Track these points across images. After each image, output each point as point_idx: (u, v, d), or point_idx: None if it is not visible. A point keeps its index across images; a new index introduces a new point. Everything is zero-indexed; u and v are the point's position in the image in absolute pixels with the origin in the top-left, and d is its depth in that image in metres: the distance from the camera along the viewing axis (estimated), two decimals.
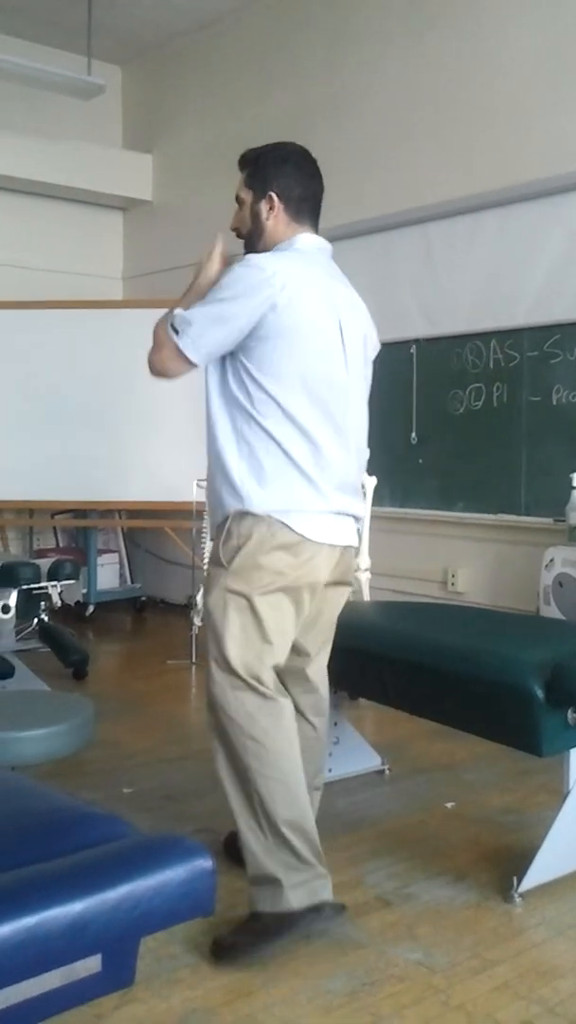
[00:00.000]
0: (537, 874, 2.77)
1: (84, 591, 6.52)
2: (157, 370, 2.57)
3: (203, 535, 5.53)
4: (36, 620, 4.82)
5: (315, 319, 2.54)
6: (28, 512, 7.13)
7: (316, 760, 2.79)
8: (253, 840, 2.49)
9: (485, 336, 5.31)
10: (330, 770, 3.59)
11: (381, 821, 3.33)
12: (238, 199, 2.75)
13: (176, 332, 2.50)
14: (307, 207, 2.70)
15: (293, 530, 2.48)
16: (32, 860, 1.69)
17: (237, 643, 2.51)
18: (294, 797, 2.50)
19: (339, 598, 2.76)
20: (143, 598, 7.28)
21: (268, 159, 2.69)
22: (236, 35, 6.82)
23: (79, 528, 7.26)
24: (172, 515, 6.28)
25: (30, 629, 4.91)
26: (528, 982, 2.36)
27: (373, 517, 4.97)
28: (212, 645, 2.56)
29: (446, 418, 5.53)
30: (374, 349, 2.85)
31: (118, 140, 7.83)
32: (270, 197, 2.66)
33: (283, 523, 2.48)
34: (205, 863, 1.76)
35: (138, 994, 2.26)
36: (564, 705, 2.66)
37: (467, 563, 5.48)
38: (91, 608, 6.84)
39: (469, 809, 3.44)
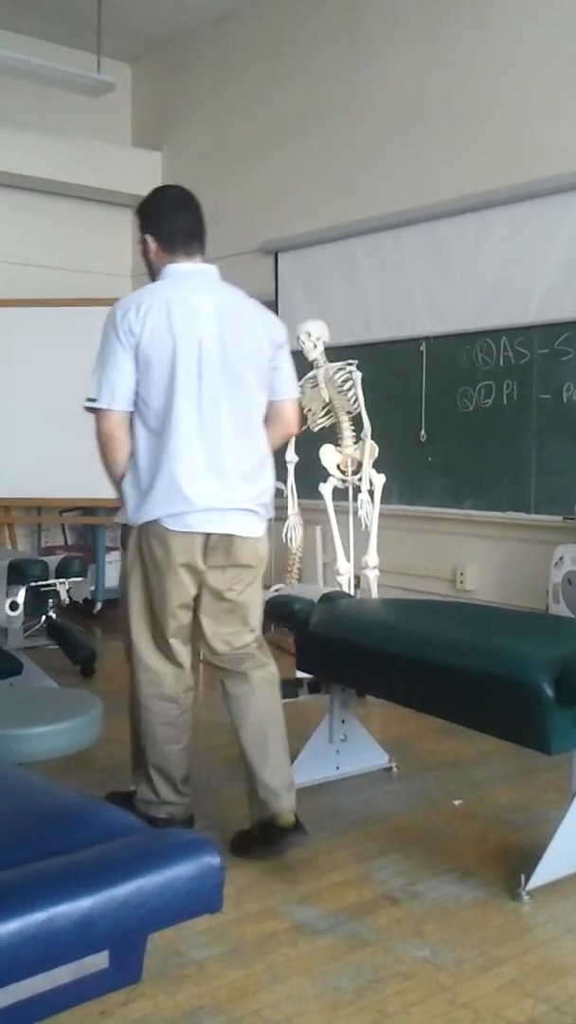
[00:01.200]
0: (545, 872, 2.77)
1: (92, 588, 6.52)
2: (103, 446, 3.11)
3: None
4: (44, 617, 4.83)
5: (174, 334, 2.93)
6: (36, 509, 7.13)
7: (255, 713, 3.07)
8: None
9: (495, 333, 5.30)
10: (337, 767, 3.60)
11: (388, 818, 3.33)
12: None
13: (92, 402, 3.06)
14: (179, 239, 3.10)
15: (160, 524, 2.96)
16: (41, 856, 1.70)
17: (133, 615, 3.07)
18: (159, 748, 3.08)
19: (234, 581, 3.06)
20: None
21: (142, 210, 3.19)
22: (245, 33, 6.82)
23: (87, 525, 7.27)
24: None
25: (38, 626, 4.91)
26: (535, 980, 2.36)
27: (382, 515, 4.97)
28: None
29: (455, 415, 5.52)
30: (272, 346, 3.12)
31: (127, 137, 7.83)
32: (145, 239, 3.14)
33: (153, 520, 2.97)
34: (213, 860, 1.76)
35: (145, 990, 2.26)
36: (573, 703, 2.65)
37: (476, 561, 5.48)
38: (99, 605, 6.84)
39: (476, 807, 3.43)
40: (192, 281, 3.05)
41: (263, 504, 3.09)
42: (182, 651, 3.09)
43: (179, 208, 3.13)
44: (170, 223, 3.09)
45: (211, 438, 2.96)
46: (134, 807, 3.01)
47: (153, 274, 3.14)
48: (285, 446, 5.24)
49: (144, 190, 7.55)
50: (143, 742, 3.11)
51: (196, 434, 2.94)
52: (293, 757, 3.52)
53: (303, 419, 5.10)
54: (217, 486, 2.96)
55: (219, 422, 2.97)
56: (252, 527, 3.05)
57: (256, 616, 3.15)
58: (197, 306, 2.97)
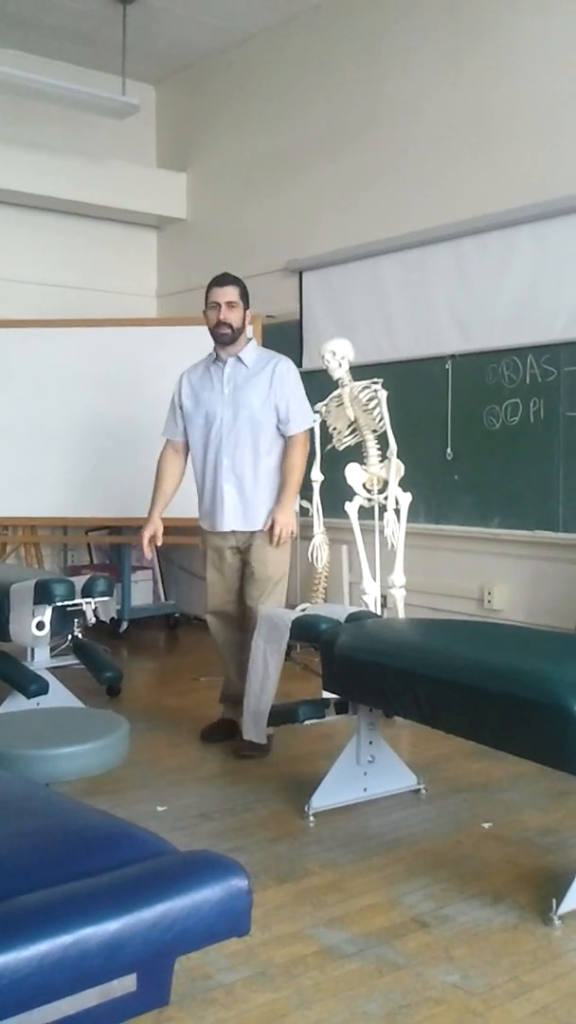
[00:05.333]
0: None
1: (118, 608, 6.52)
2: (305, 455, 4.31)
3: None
4: (70, 637, 4.82)
5: None
6: (62, 529, 7.15)
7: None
8: None
9: (521, 351, 5.28)
10: (365, 789, 3.57)
11: (417, 841, 3.30)
12: (232, 304, 4.13)
13: (312, 423, 4.41)
14: None
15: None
16: (68, 878, 1.69)
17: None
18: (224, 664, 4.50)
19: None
20: (177, 615, 7.28)
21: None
22: (269, 54, 6.86)
23: (113, 544, 7.28)
24: None
25: (64, 646, 4.91)
26: (567, 1006, 2.32)
27: (408, 533, 4.95)
28: None
29: (482, 433, 5.50)
30: None
31: (152, 159, 7.89)
32: (247, 313, 4.23)
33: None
34: (241, 882, 1.75)
35: (172, 1014, 2.24)
36: None
37: (504, 580, 5.44)
38: (125, 625, 6.85)
39: (506, 830, 3.39)
40: None
41: None
42: None
43: None
44: None
45: None
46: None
47: (241, 335, 4.17)
48: (310, 465, 5.23)
49: (170, 211, 7.72)
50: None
51: None
52: (321, 778, 3.51)
53: (328, 437, 5.10)
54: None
55: None
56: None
57: None
58: None
